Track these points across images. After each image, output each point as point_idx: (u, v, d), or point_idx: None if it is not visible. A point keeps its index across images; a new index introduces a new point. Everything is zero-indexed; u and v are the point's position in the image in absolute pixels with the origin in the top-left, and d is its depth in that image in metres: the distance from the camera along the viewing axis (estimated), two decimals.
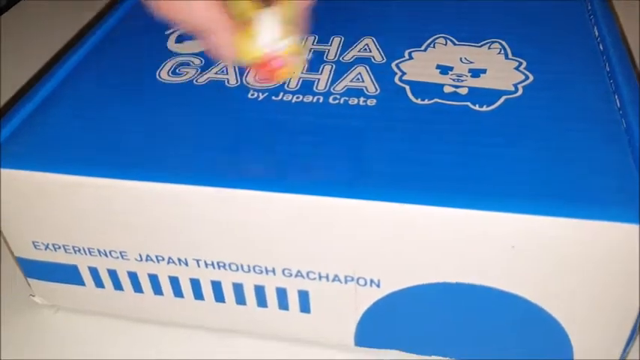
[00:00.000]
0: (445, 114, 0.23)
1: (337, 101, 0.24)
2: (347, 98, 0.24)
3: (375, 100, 0.24)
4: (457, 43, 0.27)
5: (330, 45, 0.27)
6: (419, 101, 0.24)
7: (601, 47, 0.25)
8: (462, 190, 0.20)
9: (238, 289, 0.23)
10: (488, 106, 0.23)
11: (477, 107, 0.23)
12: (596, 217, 0.19)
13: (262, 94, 0.24)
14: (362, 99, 0.24)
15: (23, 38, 0.44)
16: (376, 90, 0.24)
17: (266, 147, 0.22)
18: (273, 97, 0.24)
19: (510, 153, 0.21)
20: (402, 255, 0.21)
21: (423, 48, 0.26)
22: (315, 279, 0.22)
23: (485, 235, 0.20)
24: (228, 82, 0.25)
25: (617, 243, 0.19)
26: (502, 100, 0.23)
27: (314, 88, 0.25)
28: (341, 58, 0.26)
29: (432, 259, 0.21)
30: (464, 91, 0.24)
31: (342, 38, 0.27)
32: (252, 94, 0.24)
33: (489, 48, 0.26)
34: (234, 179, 0.21)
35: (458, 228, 0.20)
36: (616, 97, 0.23)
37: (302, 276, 0.22)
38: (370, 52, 0.26)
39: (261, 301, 0.23)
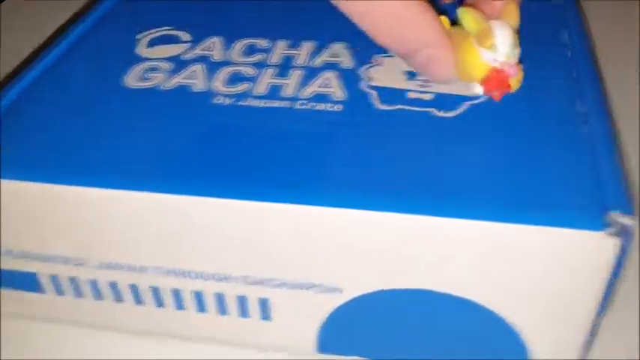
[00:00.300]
0: (409, 119, 0.23)
1: (304, 106, 0.24)
2: (314, 104, 0.24)
3: (341, 106, 0.24)
4: None
5: (301, 50, 0.27)
6: (384, 107, 0.23)
7: (569, 53, 0.25)
8: (424, 196, 0.20)
9: (198, 297, 0.23)
10: (451, 111, 0.23)
11: (440, 113, 0.23)
12: (557, 223, 0.18)
13: (229, 99, 0.24)
14: (329, 104, 0.24)
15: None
16: (343, 96, 0.24)
17: (228, 153, 0.22)
18: (240, 103, 0.24)
19: (472, 159, 0.21)
20: (363, 261, 0.20)
21: (392, 54, 0.26)
22: (275, 286, 0.22)
23: (447, 241, 0.19)
24: (194, 86, 0.25)
25: (577, 249, 0.19)
26: (465, 105, 0.23)
27: (281, 94, 0.24)
28: (310, 63, 0.26)
29: (393, 266, 0.20)
30: (428, 96, 0.24)
31: (314, 43, 0.27)
32: (218, 99, 0.24)
33: None
34: (196, 186, 0.20)
35: (420, 234, 0.19)
36: (581, 102, 0.23)
37: (262, 284, 0.22)
38: (340, 57, 0.26)
39: (222, 309, 0.23)
